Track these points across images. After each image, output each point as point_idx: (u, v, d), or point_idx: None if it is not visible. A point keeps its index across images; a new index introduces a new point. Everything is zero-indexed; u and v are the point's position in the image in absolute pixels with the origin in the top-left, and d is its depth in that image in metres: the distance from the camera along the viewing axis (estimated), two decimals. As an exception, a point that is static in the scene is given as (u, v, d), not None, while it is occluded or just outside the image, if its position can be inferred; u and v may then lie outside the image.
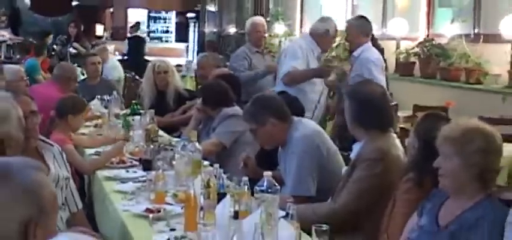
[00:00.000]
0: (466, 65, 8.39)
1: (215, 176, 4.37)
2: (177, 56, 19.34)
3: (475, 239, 3.29)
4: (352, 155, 4.67)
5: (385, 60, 7.87)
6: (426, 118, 4.15)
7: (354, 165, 4.55)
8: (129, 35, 19.82)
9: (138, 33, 19.42)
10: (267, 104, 5.21)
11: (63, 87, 7.97)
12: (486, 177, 3.42)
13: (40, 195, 2.05)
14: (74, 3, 26.50)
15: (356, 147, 4.63)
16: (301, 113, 5.73)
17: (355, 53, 7.82)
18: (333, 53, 9.90)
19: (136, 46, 17.75)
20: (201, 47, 20.97)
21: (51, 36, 16.47)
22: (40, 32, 16.81)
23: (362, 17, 8.37)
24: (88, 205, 5.40)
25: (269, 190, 3.80)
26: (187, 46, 23.05)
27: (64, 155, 4.53)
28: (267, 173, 3.91)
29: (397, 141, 4.57)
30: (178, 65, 13.49)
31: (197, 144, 5.29)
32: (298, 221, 3.63)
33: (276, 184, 3.85)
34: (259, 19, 9.61)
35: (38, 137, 4.28)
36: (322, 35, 7.55)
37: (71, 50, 16.39)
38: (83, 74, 10.96)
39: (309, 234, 3.62)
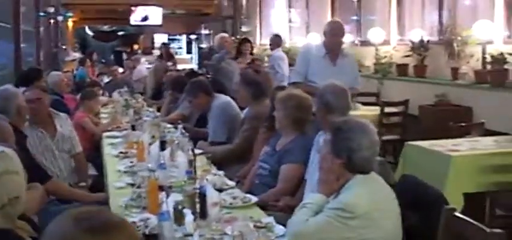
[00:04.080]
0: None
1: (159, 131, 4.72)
2: (185, 62, 19.32)
3: (292, 157, 3.63)
4: (243, 115, 4.98)
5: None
6: (276, 90, 4.45)
7: (243, 121, 4.89)
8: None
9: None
10: (198, 84, 5.50)
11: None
12: (299, 123, 3.73)
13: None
14: (120, 33, 26.77)
15: (245, 111, 4.95)
16: (222, 90, 5.96)
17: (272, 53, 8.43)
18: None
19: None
20: (200, 56, 21.22)
21: (95, 54, 16.17)
22: (90, 52, 16.79)
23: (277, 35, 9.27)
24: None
25: (181, 135, 4.16)
26: (192, 56, 23.32)
27: (69, 121, 4.76)
28: (180, 126, 4.27)
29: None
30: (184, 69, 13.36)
31: (158, 113, 5.65)
32: (211, 156, 4.03)
33: (185, 131, 4.18)
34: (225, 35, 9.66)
35: (46, 111, 4.49)
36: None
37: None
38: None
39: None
